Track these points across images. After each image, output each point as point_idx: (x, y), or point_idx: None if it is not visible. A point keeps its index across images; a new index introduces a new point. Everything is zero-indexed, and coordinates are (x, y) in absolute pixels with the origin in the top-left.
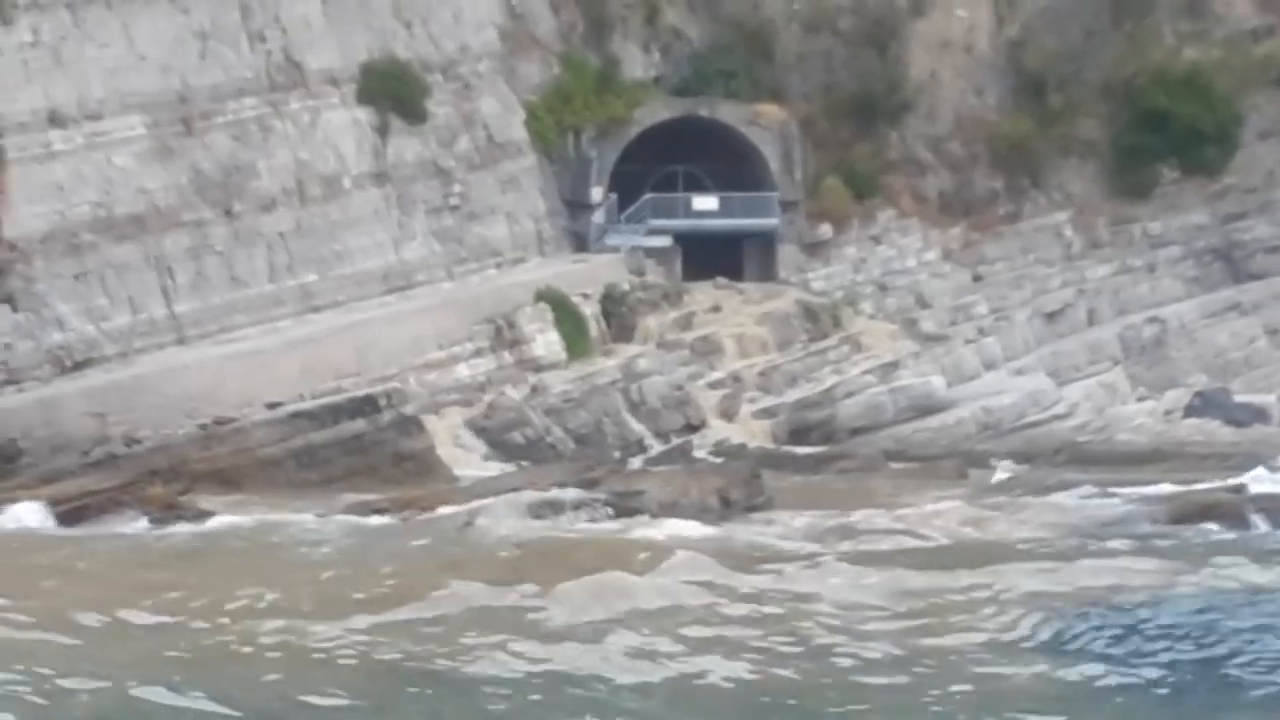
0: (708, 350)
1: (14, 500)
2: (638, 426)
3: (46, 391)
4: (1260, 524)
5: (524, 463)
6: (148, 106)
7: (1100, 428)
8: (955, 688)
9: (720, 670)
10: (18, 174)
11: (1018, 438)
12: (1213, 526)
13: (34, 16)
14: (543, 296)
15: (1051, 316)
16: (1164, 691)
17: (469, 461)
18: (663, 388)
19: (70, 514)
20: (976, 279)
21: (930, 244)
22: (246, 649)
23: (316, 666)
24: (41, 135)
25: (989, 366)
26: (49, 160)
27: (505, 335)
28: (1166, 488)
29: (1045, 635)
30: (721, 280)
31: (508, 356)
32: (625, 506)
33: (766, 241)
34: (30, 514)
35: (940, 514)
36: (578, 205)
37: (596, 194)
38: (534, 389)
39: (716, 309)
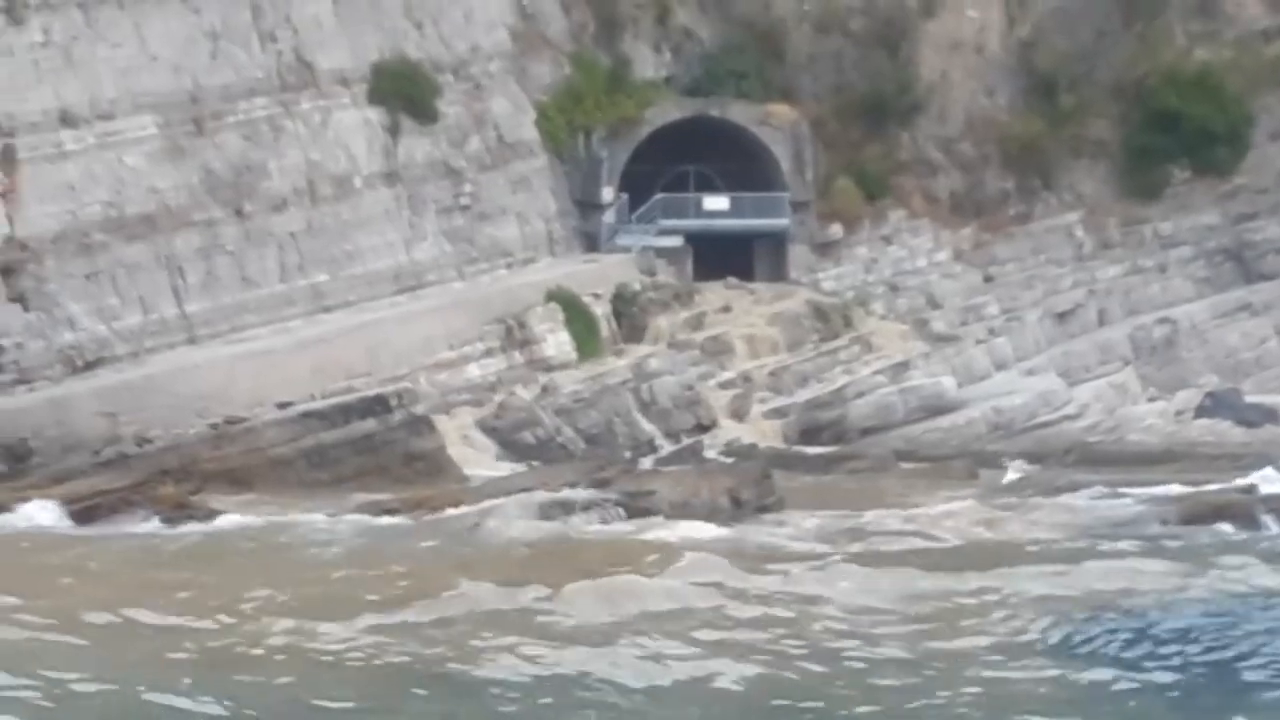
0: (718, 350)
1: (25, 499)
2: (648, 426)
3: (57, 391)
4: (1271, 525)
5: (535, 463)
6: (159, 106)
7: (1111, 428)
8: (966, 690)
9: (731, 673)
10: (29, 173)
11: (1028, 438)
12: (1224, 527)
13: (45, 16)
14: (553, 296)
15: (1062, 317)
16: (1176, 695)
17: (480, 461)
18: (673, 388)
19: (83, 513)
20: (987, 279)
21: (941, 244)
22: (257, 650)
23: (326, 668)
24: (53, 135)
25: (1000, 367)
26: (60, 160)
27: (516, 335)
28: (1176, 488)
29: (1056, 638)
30: (732, 280)
31: (518, 356)
32: (636, 507)
33: (777, 242)
34: (43, 512)
35: (952, 515)
36: (588, 205)
37: (607, 194)
38: (545, 389)
39: (727, 309)
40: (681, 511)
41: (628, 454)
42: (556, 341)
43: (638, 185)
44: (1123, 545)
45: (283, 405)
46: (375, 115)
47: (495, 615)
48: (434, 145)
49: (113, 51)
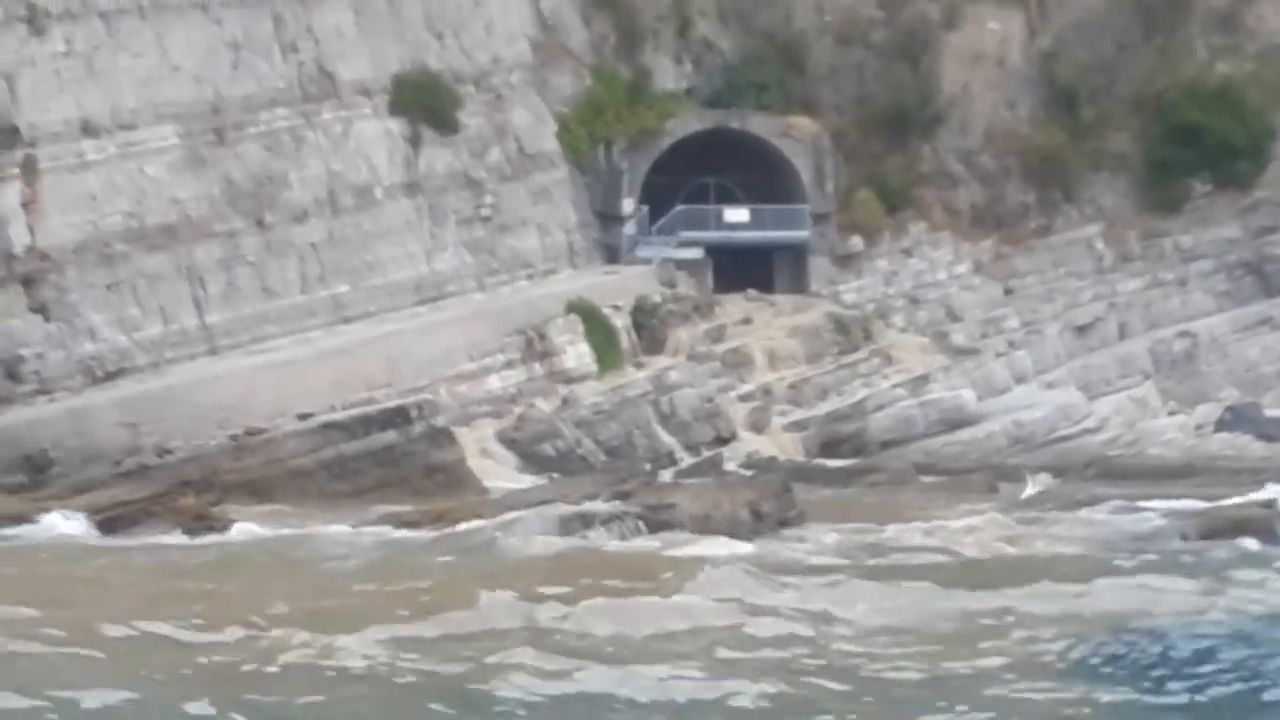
0: (738, 362)
1: (46, 510)
2: (668, 439)
3: (78, 401)
4: None
5: (554, 475)
6: (180, 116)
7: (1131, 442)
8: (985, 711)
9: (748, 692)
10: (51, 184)
11: (1048, 452)
12: (1244, 542)
13: (67, 26)
14: (574, 308)
15: (1082, 330)
16: (1196, 715)
17: (500, 473)
18: (693, 400)
19: (105, 524)
20: (1007, 292)
21: (961, 257)
22: (273, 665)
23: (343, 683)
24: (74, 145)
25: (1019, 380)
26: (82, 170)
27: (536, 347)
28: (1192, 503)
29: (1076, 657)
30: (752, 292)
31: (538, 368)
32: (656, 520)
33: (798, 254)
34: (68, 523)
35: (973, 529)
36: (609, 217)
37: (628, 206)
38: (565, 401)
39: (747, 321)
40: (702, 525)
41: (647, 466)
42: (577, 353)
43: (658, 197)
44: (1143, 561)
45: (303, 416)
46: (396, 126)
47: (514, 630)
48: (455, 156)
49: (134, 62)
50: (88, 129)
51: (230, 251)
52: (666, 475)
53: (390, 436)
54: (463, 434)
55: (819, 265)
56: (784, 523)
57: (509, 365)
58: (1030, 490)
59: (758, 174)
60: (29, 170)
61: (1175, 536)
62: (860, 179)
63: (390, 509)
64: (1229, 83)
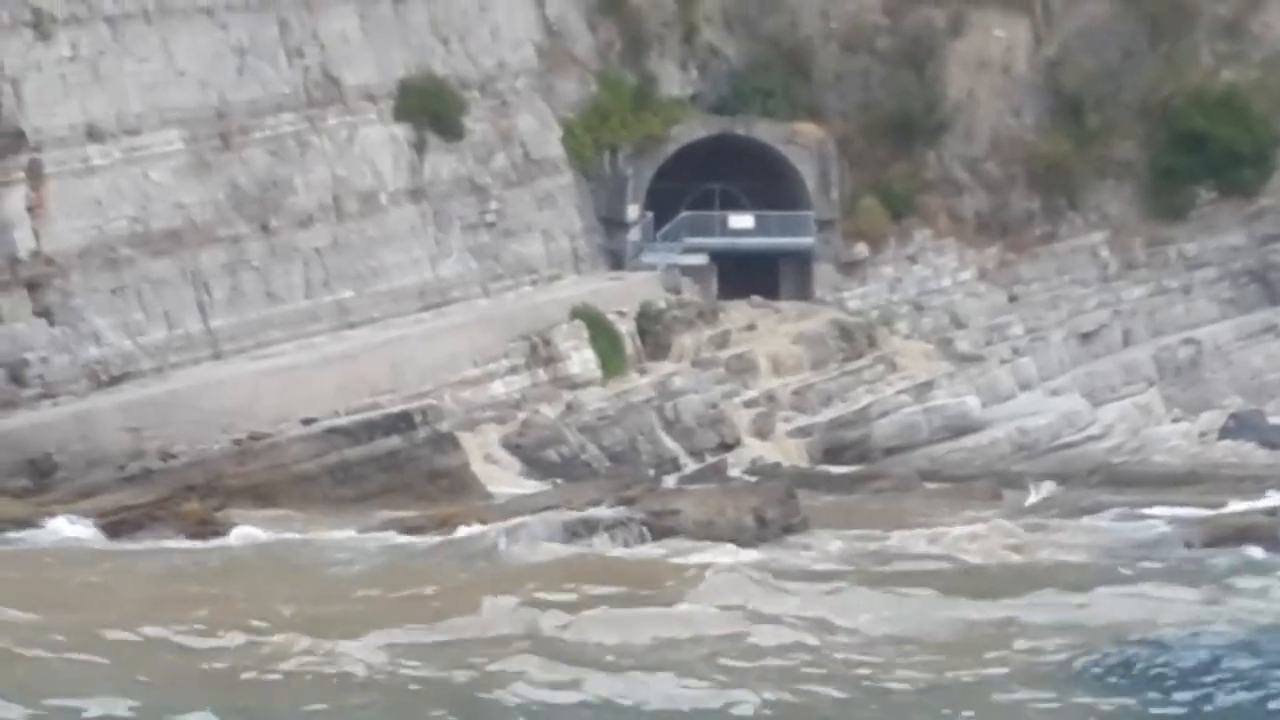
0: (743, 369)
1: (51, 514)
2: (672, 445)
3: (82, 406)
4: None
5: (559, 481)
6: (186, 122)
7: (1135, 449)
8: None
9: (751, 700)
10: (55, 188)
11: (1052, 459)
12: (1248, 550)
13: (73, 31)
14: (578, 314)
15: (1087, 337)
16: None
17: (504, 479)
18: (698, 406)
19: (111, 527)
20: (1012, 299)
21: (966, 264)
22: (276, 671)
23: (346, 689)
24: (79, 150)
25: (1024, 387)
26: (87, 175)
27: (540, 352)
28: (1197, 511)
29: (1079, 666)
30: (757, 299)
31: (543, 374)
32: (660, 526)
33: (802, 260)
34: (73, 528)
35: (977, 537)
36: (614, 223)
37: (633, 212)
38: (569, 406)
39: (752, 327)
40: (706, 531)
41: (651, 472)
42: (581, 359)
43: (663, 203)
44: (1147, 568)
45: (307, 421)
46: (401, 131)
47: (517, 637)
48: (460, 162)
49: (140, 66)
50: (93, 134)
51: (235, 256)
52: (670, 481)
53: (394, 442)
54: (467, 439)
55: (824, 272)
56: (788, 529)
57: (513, 371)
58: (1034, 497)
59: (763, 180)
60: (34, 175)
61: (1179, 544)
62: (865, 186)
63: (394, 514)
64: (1234, 90)
